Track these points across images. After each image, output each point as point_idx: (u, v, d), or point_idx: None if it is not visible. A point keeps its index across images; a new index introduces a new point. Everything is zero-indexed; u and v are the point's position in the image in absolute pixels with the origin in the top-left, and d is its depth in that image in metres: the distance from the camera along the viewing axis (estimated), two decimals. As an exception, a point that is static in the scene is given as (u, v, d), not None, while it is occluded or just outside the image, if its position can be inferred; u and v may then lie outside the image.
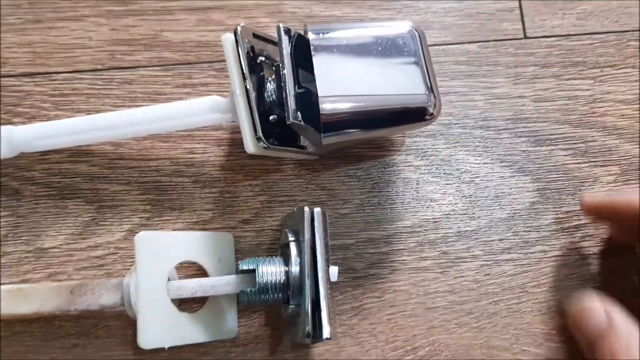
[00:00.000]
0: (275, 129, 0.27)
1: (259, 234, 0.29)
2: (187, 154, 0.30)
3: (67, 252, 0.28)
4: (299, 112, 0.26)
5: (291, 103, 0.26)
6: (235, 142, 0.30)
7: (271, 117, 0.27)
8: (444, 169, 0.31)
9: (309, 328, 0.24)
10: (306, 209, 0.25)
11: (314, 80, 0.25)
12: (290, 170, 0.30)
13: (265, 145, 0.26)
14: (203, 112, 0.27)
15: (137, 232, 0.26)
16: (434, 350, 0.29)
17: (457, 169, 0.31)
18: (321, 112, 0.25)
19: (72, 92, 0.30)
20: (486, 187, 0.30)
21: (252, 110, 0.26)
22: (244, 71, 0.26)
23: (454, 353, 0.29)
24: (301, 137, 0.29)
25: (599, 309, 0.26)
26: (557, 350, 0.29)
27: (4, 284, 0.27)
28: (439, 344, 0.29)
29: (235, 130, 0.30)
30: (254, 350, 0.28)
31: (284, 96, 0.26)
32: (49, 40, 0.30)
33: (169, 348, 0.26)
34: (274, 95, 0.27)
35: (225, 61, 0.26)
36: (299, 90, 0.26)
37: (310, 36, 0.26)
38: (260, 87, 0.27)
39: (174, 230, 0.29)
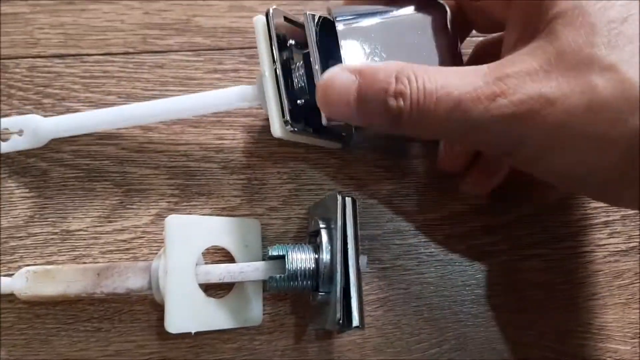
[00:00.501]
0: (302, 114, 0.27)
1: (286, 222, 0.29)
2: (216, 139, 0.29)
3: (93, 234, 0.28)
4: None
5: None
6: (264, 129, 0.30)
7: (299, 101, 0.27)
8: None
9: (339, 315, 0.24)
10: (338, 196, 0.25)
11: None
12: (318, 159, 0.30)
13: (292, 129, 0.26)
14: (231, 101, 0.27)
15: (165, 217, 0.26)
16: (459, 344, 0.28)
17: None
18: None
19: (102, 74, 0.30)
20: (515, 181, 0.30)
21: (281, 93, 0.26)
22: (274, 53, 0.26)
23: (479, 347, 0.28)
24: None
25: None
26: (582, 348, 0.29)
27: (29, 265, 0.27)
28: (465, 338, 0.28)
29: (265, 118, 0.30)
30: (279, 339, 0.28)
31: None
32: (81, 22, 0.30)
33: (195, 334, 0.26)
34: (302, 81, 0.27)
35: (256, 47, 0.26)
36: None
37: (337, 24, 0.25)
38: (289, 71, 0.27)
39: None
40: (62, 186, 0.28)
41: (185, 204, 0.29)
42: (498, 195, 0.30)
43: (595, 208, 0.30)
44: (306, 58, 0.26)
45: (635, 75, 0.20)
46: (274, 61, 0.26)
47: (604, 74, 0.20)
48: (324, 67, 0.25)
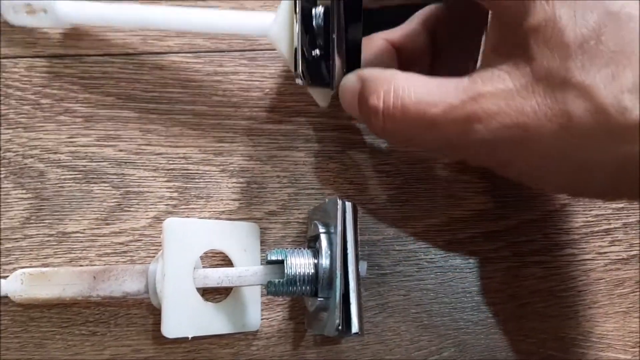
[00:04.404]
0: (314, 65, 0.26)
1: (285, 226, 0.29)
2: (215, 142, 0.29)
3: (90, 237, 0.28)
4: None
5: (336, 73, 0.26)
6: (265, 133, 0.29)
7: (313, 53, 0.26)
8: (475, 168, 0.30)
9: (338, 321, 0.23)
10: (339, 200, 0.25)
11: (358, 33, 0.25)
12: (318, 163, 0.29)
13: (302, 83, 0.26)
14: (247, 28, 0.27)
15: (163, 220, 0.26)
16: (459, 351, 0.28)
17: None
18: None
19: (102, 75, 0.29)
20: (517, 187, 0.30)
21: (298, 41, 0.25)
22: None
23: (479, 355, 0.28)
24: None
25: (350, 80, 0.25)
26: (582, 356, 0.29)
27: (25, 267, 0.27)
28: (465, 345, 0.28)
29: (266, 121, 0.30)
30: (276, 345, 0.28)
31: (331, 66, 0.25)
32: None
33: (191, 338, 0.25)
34: (320, 27, 0.26)
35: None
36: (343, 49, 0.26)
37: None
38: (309, 16, 0.26)
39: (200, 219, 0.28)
40: (60, 187, 0.28)
41: (183, 207, 0.28)
42: (499, 202, 0.30)
43: (597, 216, 0.30)
44: (326, 14, 0.25)
45: (612, 100, 0.19)
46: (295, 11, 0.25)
47: (579, 101, 0.20)
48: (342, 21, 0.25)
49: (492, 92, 0.21)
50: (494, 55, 0.23)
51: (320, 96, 0.28)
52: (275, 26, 0.26)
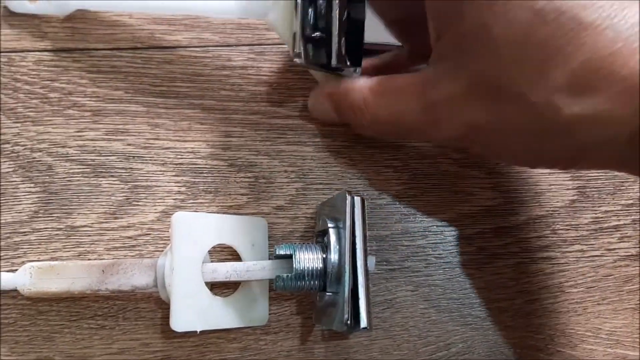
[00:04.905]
0: (315, 45, 0.26)
1: (293, 221, 0.29)
2: (223, 137, 0.29)
3: (98, 231, 0.28)
4: (343, 49, 0.25)
5: (337, 47, 0.25)
6: (272, 127, 0.29)
7: (314, 35, 0.26)
8: (483, 163, 0.30)
9: (347, 316, 0.23)
10: (347, 195, 0.25)
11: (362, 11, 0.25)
12: (326, 157, 0.29)
13: (301, 62, 0.26)
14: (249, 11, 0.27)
15: (171, 214, 0.26)
16: (467, 347, 0.28)
17: (497, 164, 0.30)
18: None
19: (110, 69, 0.29)
20: (526, 183, 0.30)
21: (298, 19, 0.25)
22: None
23: (487, 351, 0.28)
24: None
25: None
26: (591, 353, 0.28)
27: (33, 261, 0.27)
28: (473, 341, 0.28)
29: (274, 115, 0.29)
30: (284, 339, 0.28)
31: (332, 39, 0.25)
32: (89, 16, 0.30)
33: (200, 332, 0.25)
34: (321, 9, 0.25)
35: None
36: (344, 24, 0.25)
37: None
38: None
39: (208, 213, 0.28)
40: (68, 181, 0.28)
41: (191, 201, 0.28)
42: (508, 198, 0.30)
43: (606, 212, 0.30)
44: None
45: (543, 101, 0.20)
46: None
47: (513, 106, 0.21)
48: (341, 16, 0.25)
49: (442, 99, 0.23)
50: (437, 54, 0.24)
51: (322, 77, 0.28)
52: (276, 8, 0.26)
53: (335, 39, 0.25)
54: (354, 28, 0.25)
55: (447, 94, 0.23)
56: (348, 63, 0.26)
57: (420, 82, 0.24)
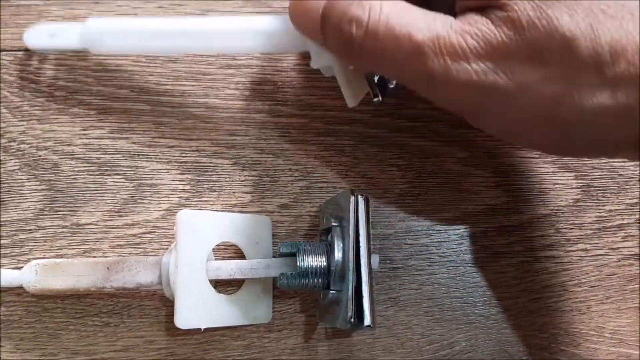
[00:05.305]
0: None
1: (296, 219, 0.29)
2: (228, 135, 0.29)
3: (103, 228, 0.28)
4: None
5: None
6: (277, 126, 0.29)
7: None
8: (488, 162, 0.30)
9: (351, 314, 0.23)
10: (351, 193, 0.25)
11: None
12: (330, 156, 0.29)
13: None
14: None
15: (176, 212, 0.26)
16: (470, 345, 0.28)
17: (502, 162, 0.30)
18: None
19: (115, 68, 0.29)
20: (530, 182, 0.30)
21: None
22: None
23: (490, 350, 0.28)
24: None
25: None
26: (594, 352, 0.28)
27: (39, 258, 0.27)
28: (476, 340, 0.28)
29: (278, 114, 0.30)
30: (288, 337, 0.28)
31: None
32: (95, 14, 0.30)
33: (204, 330, 0.25)
34: None
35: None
36: None
37: None
38: None
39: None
40: (73, 179, 0.28)
41: (196, 199, 0.28)
42: (512, 196, 0.30)
43: (610, 211, 0.30)
44: None
45: (592, 53, 0.19)
46: None
47: (562, 52, 0.20)
48: None
49: (478, 33, 0.20)
50: (470, 3, 0.22)
51: (351, 93, 0.27)
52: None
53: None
54: None
55: (484, 31, 0.20)
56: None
57: (450, 17, 0.21)
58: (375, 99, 0.26)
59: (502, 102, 0.21)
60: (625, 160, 0.31)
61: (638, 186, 0.30)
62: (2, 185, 0.28)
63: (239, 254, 0.27)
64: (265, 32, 0.26)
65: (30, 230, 0.28)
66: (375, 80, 0.27)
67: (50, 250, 0.28)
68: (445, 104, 0.24)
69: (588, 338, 0.29)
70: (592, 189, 0.30)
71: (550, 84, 0.20)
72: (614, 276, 0.29)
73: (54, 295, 0.27)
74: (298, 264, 0.25)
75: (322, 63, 0.26)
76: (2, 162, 0.28)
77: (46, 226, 0.28)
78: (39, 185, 0.28)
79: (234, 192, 0.29)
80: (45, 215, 0.28)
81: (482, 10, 0.21)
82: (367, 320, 0.24)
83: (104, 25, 0.27)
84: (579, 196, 0.30)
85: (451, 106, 0.24)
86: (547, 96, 0.20)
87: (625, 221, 0.30)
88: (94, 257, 0.28)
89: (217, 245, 0.27)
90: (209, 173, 0.29)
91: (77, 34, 0.27)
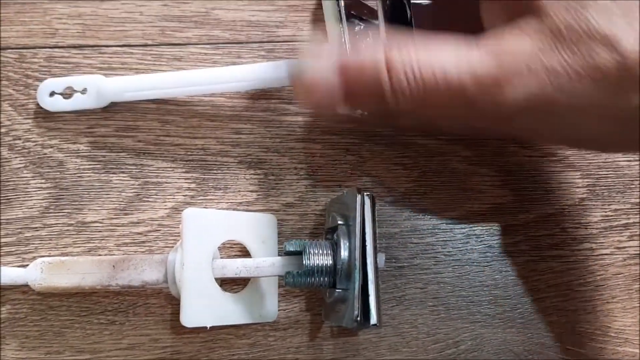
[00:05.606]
0: None
1: (302, 218, 0.29)
2: (233, 134, 0.29)
3: (109, 227, 0.28)
4: None
5: None
6: (282, 124, 0.29)
7: None
8: (493, 161, 0.30)
9: (357, 313, 0.23)
10: (357, 192, 0.25)
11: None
12: (336, 155, 0.29)
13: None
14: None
15: (181, 210, 0.26)
16: (476, 345, 0.28)
17: (507, 161, 0.30)
18: None
19: (120, 66, 0.29)
20: (535, 181, 0.30)
21: None
22: (342, 26, 0.26)
23: (496, 349, 0.28)
24: None
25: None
26: (600, 351, 0.28)
27: (44, 256, 0.27)
28: (481, 339, 0.28)
29: (283, 113, 0.29)
30: (293, 336, 0.28)
31: None
32: (100, 13, 0.30)
33: (209, 328, 0.25)
34: None
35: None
36: None
37: None
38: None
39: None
40: (79, 177, 0.28)
41: (201, 197, 0.28)
42: (517, 195, 0.30)
43: (616, 210, 0.30)
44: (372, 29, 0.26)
45: (633, 48, 0.19)
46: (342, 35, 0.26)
47: (606, 52, 0.19)
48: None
49: (515, 52, 0.20)
50: (499, 15, 0.22)
51: None
52: None
53: None
54: None
55: (521, 48, 0.20)
56: None
57: (482, 39, 0.21)
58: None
59: (556, 115, 0.21)
60: (630, 159, 0.31)
61: (644, 185, 0.30)
62: (7, 183, 0.28)
63: (245, 253, 0.27)
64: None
65: (35, 228, 0.28)
66: None
67: (55, 248, 0.28)
68: (499, 134, 0.25)
69: (594, 337, 0.28)
70: (598, 188, 0.30)
71: (602, 92, 0.20)
72: (619, 275, 0.29)
73: (59, 294, 0.27)
74: (304, 262, 0.25)
75: None
76: (7, 160, 0.28)
77: (51, 224, 0.28)
78: (45, 183, 0.28)
79: (239, 191, 0.29)
80: (51, 213, 0.28)
81: (513, 19, 0.21)
82: (374, 319, 0.24)
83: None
84: (584, 195, 0.30)
85: (502, 133, 0.25)
86: (598, 103, 0.20)
87: (631, 220, 0.30)
88: (100, 255, 0.28)
89: (223, 243, 0.26)
90: (215, 171, 0.29)
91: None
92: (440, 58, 0.21)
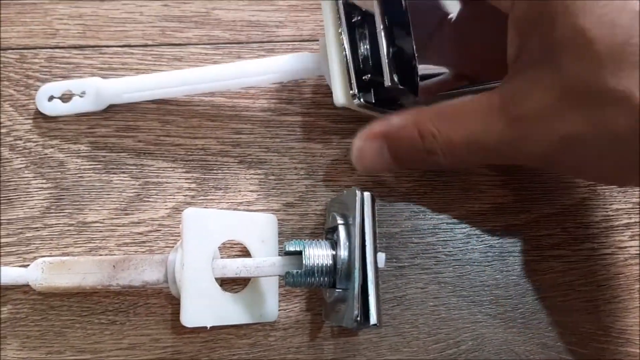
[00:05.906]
0: (367, 88, 0.27)
1: (302, 218, 0.29)
2: (233, 134, 0.29)
3: (109, 227, 0.28)
4: (395, 76, 0.26)
5: (387, 67, 0.26)
6: (282, 124, 0.29)
7: (364, 77, 0.27)
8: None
9: (357, 313, 0.23)
10: (357, 191, 0.25)
11: (409, 39, 0.25)
12: (336, 155, 0.29)
13: (359, 102, 0.27)
14: (293, 69, 0.28)
15: (182, 210, 0.26)
16: (477, 345, 0.28)
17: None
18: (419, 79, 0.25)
19: (121, 66, 0.29)
20: (536, 181, 0.30)
21: (349, 64, 0.26)
22: (342, 24, 0.26)
23: (497, 349, 0.28)
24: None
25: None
26: (602, 351, 0.28)
27: (45, 256, 0.27)
28: (482, 339, 0.28)
29: (284, 113, 0.30)
30: (294, 335, 0.28)
31: (381, 60, 0.26)
32: (100, 13, 0.30)
33: (210, 328, 0.25)
34: (367, 53, 0.27)
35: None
36: (393, 50, 0.26)
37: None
38: (353, 44, 0.27)
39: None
40: (79, 178, 0.28)
41: (202, 197, 0.28)
42: (518, 195, 0.30)
43: (617, 210, 0.30)
44: (373, 33, 0.26)
45: None
46: (340, 33, 0.26)
47: (616, 108, 0.20)
48: (390, 41, 0.26)
49: (530, 111, 0.22)
50: (519, 67, 0.23)
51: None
52: (325, 60, 0.27)
53: (385, 62, 0.26)
54: (404, 55, 0.26)
55: (537, 105, 0.22)
56: (401, 85, 0.26)
57: (499, 98, 0.23)
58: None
59: (568, 158, 0.23)
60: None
61: (645, 185, 0.30)
62: (8, 184, 0.28)
63: (245, 253, 0.27)
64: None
65: (36, 228, 0.28)
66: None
67: (56, 248, 0.28)
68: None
69: (595, 337, 0.28)
70: (599, 187, 0.30)
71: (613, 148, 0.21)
72: (621, 275, 0.29)
73: (60, 293, 0.27)
74: (304, 262, 0.25)
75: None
76: (8, 160, 0.28)
77: (52, 224, 0.28)
78: (45, 183, 0.28)
79: (239, 191, 0.29)
80: (52, 213, 0.28)
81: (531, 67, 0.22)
82: (374, 319, 0.23)
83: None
84: (585, 195, 0.30)
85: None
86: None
87: (632, 220, 0.30)
88: (100, 255, 0.28)
89: (223, 243, 0.26)
90: (215, 171, 0.29)
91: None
92: (468, 129, 0.24)
